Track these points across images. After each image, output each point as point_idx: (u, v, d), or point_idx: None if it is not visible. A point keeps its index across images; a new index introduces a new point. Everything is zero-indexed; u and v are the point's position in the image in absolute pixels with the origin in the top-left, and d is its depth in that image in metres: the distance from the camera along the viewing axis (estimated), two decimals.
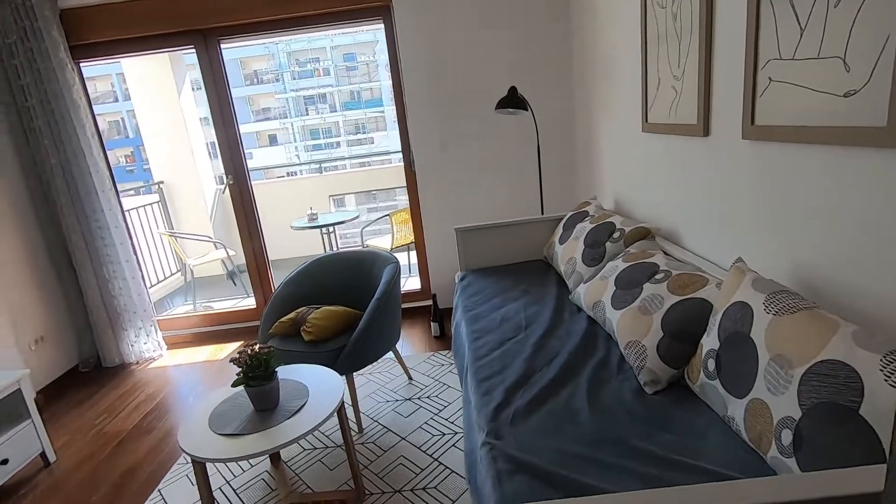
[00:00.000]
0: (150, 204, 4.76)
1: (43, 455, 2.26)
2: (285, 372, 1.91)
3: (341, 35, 27.40)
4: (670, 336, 1.37)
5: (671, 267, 1.58)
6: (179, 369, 3.15)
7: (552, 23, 3.00)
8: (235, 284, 4.83)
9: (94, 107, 3.20)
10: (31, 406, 2.21)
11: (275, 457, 2.08)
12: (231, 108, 3.27)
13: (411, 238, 3.73)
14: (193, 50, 3.17)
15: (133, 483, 2.09)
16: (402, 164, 3.36)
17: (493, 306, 2.07)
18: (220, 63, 3.19)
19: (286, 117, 30.36)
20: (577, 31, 2.88)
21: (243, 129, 3.43)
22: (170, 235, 4.39)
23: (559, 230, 2.45)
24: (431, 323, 3.16)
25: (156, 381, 3.03)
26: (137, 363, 3.29)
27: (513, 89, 2.65)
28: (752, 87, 1.32)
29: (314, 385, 1.81)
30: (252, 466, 2.08)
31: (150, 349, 3.31)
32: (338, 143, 30.89)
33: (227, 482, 2.01)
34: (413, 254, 3.78)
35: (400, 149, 3.32)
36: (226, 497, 1.93)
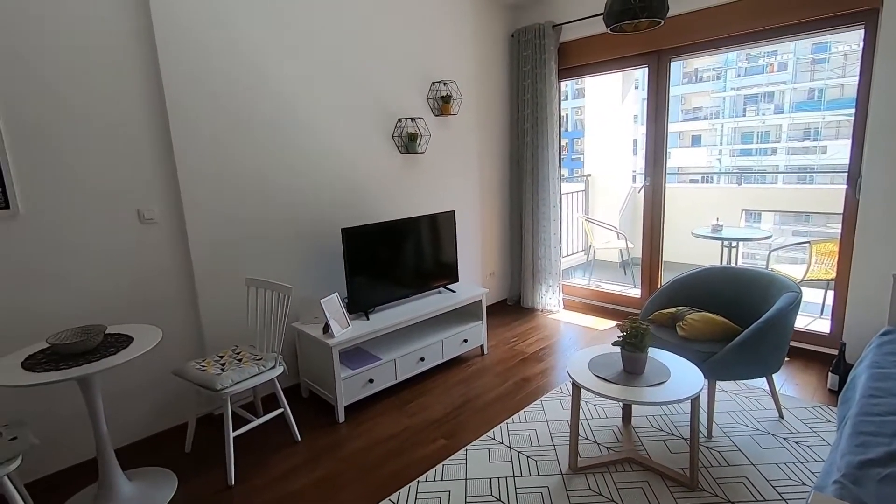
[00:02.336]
0: (577, 192, 5.82)
1: (482, 347, 3.44)
2: (655, 352, 2.25)
3: None
4: None
5: None
6: (568, 325, 3.96)
7: None
8: (626, 274, 5.37)
9: None
10: (483, 313, 3.39)
11: (627, 416, 2.48)
12: (665, 114, 3.66)
13: (831, 275, 3.22)
14: (646, 67, 3.69)
15: (525, 388, 2.94)
16: (844, 185, 2.94)
17: None
18: (666, 77, 3.61)
19: (717, 118, 28.37)
20: None
21: (668, 127, 3.76)
22: (586, 220, 5.29)
23: None
24: (829, 374, 2.76)
25: (550, 327, 3.92)
26: (541, 310, 4.31)
27: None
28: None
29: (676, 373, 2.08)
30: (607, 417, 2.56)
31: (552, 303, 4.26)
32: (773, 150, 26.70)
33: (587, 419, 2.56)
34: (830, 293, 3.26)
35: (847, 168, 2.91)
36: (583, 428, 2.48)
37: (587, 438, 2.39)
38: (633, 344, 2.02)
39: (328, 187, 3.04)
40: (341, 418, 2.63)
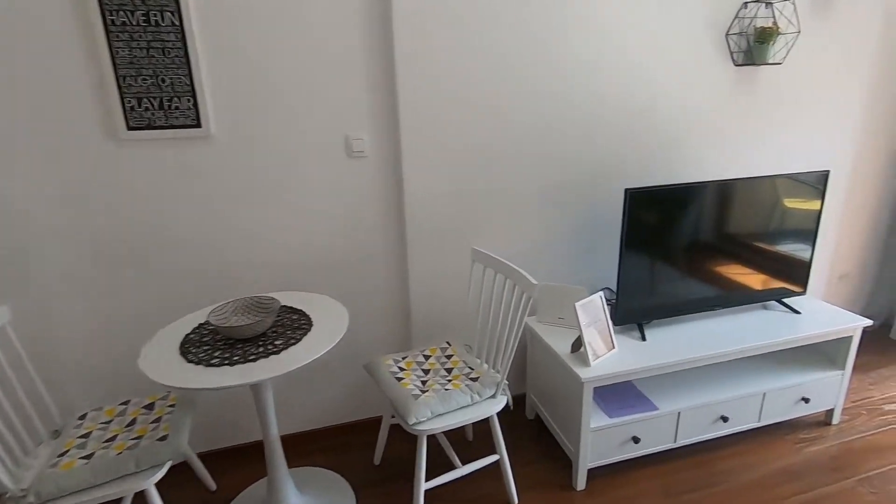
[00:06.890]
0: None
1: (829, 412, 2.00)
2: None
3: None
4: None
5: None
6: None
7: None
8: None
9: None
10: (850, 358, 1.91)
11: None
12: None
13: None
14: None
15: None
16: None
17: None
18: None
19: None
20: None
21: None
22: None
23: None
24: None
25: None
26: None
27: None
28: None
29: None
30: None
31: None
32: None
33: None
34: None
35: None
36: None
37: None
38: None
39: (603, 123, 1.92)
40: (580, 484, 1.70)
